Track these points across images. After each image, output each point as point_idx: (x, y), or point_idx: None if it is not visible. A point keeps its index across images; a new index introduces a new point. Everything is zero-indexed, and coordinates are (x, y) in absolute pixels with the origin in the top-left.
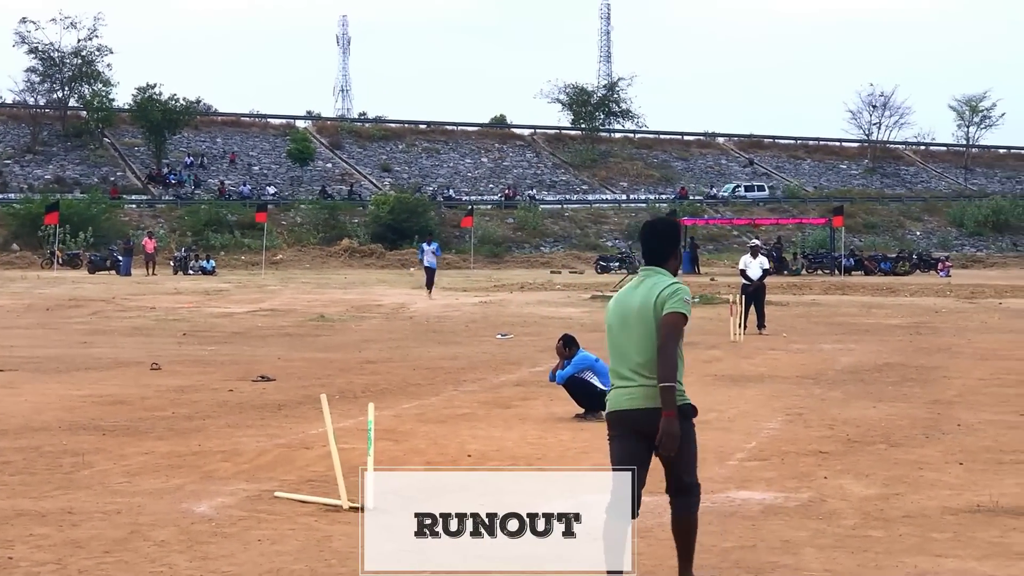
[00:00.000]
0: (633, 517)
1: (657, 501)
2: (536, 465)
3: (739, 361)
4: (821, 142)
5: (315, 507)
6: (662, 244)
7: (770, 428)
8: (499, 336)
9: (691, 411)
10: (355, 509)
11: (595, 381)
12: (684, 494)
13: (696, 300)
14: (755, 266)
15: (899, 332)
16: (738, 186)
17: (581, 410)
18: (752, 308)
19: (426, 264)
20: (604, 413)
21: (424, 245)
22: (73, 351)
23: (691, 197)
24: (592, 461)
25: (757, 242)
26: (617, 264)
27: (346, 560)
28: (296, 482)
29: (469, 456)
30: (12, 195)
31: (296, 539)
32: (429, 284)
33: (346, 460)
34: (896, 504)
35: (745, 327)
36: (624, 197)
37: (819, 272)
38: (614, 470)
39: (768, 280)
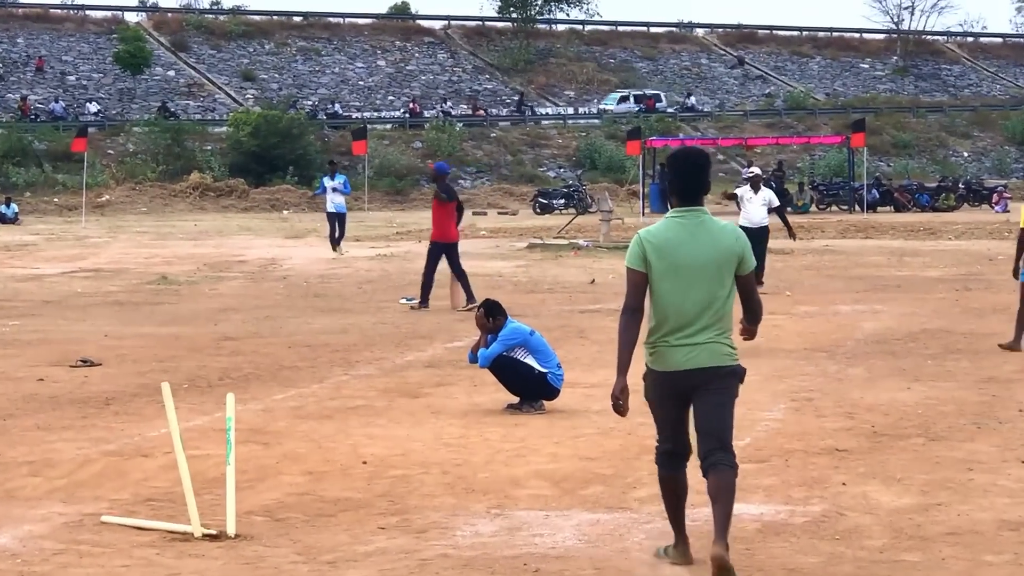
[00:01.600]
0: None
1: (617, 520)
2: (456, 473)
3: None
4: (835, 33)
5: (157, 535)
6: (705, 179)
7: (770, 419)
8: (403, 301)
9: (743, 372)
10: (211, 537)
11: (531, 361)
12: (726, 451)
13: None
14: (757, 204)
15: (941, 287)
16: (625, 97)
17: (515, 399)
18: None
19: (331, 208)
20: (652, 372)
21: (325, 180)
22: None
23: (661, 109)
24: (530, 468)
25: (756, 170)
26: (563, 202)
27: None
28: (131, 502)
29: (364, 463)
30: None
31: None
32: (336, 237)
33: (198, 472)
34: (938, 518)
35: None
36: (571, 111)
37: (834, 208)
38: (657, 420)
39: (771, 222)
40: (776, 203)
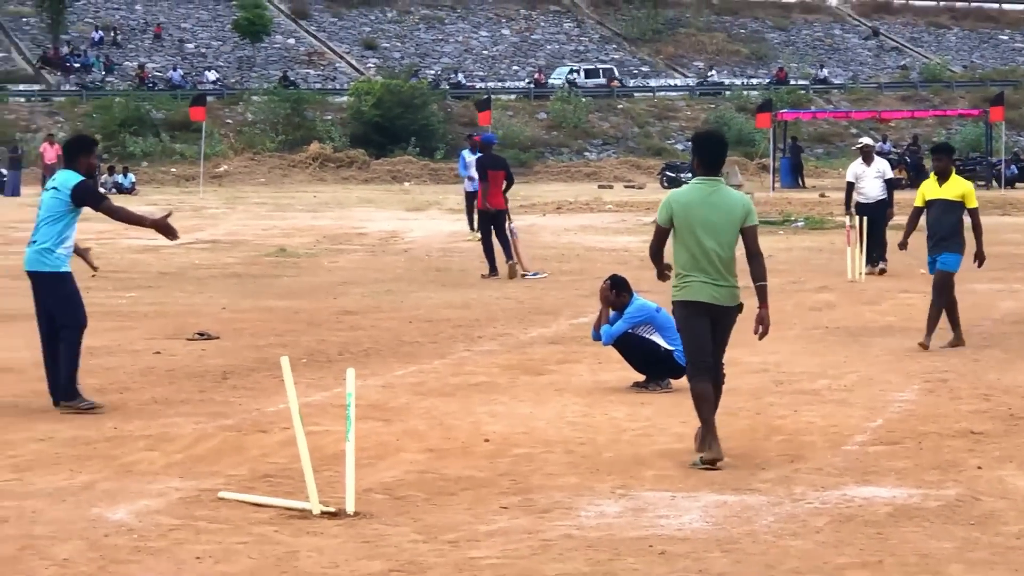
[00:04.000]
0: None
1: (745, 502)
2: (581, 452)
3: (859, 308)
4: (974, 4)
5: (274, 512)
6: (722, 155)
7: (902, 400)
8: (523, 275)
9: (743, 306)
10: (329, 515)
11: (657, 339)
12: (720, 369)
13: (800, 223)
14: (870, 177)
15: None
16: (575, 70)
17: (641, 377)
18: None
19: (470, 187)
20: (684, 303)
21: (465, 154)
22: None
23: (792, 81)
24: (656, 448)
25: (868, 140)
26: (691, 175)
27: None
28: (248, 478)
29: (487, 442)
30: None
31: (249, 556)
32: (475, 220)
33: (317, 448)
34: None
35: (868, 263)
36: (700, 82)
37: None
38: (690, 342)
39: (898, 196)
40: (889, 174)
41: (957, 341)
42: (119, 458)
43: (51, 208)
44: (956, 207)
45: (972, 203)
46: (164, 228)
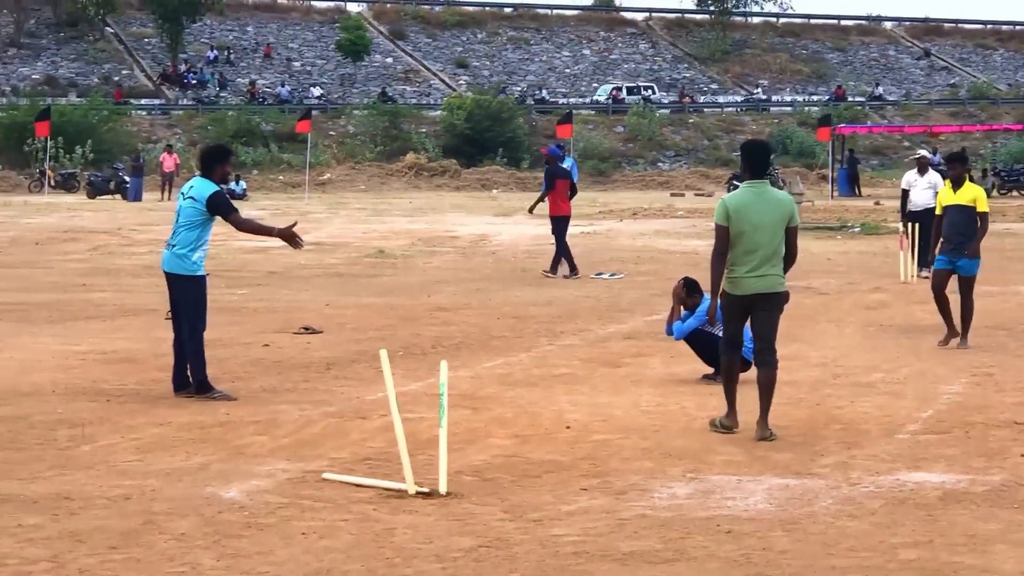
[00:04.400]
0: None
1: (806, 485)
2: (654, 439)
3: (911, 307)
4: (1018, 27)
5: (373, 492)
6: (766, 160)
7: (951, 392)
8: (599, 275)
9: (788, 295)
10: (424, 495)
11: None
12: (773, 352)
13: (856, 228)
14: (922, 186)
15: None
16: (617, 87)
17: (709, 370)
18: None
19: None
20: (729, 295)
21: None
22: (69, 296)
23: (849, 98)
24: (723, 436)
25: (925, 152)
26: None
27: (412, 559)
28: (350, 461)
29: (568, 428)
30: None
31: (350, 532)
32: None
33: (412, 433)
34: None
35: (920, 266)
36: (764, 98)
37: (1015, 193)
38: (727, 326)
39: None
40: (940, 186)
41: (951, 336)
42: (231, 442)
43: (188, 216)
44: (969, 211)
45: (983, 207)
46: (289, 237)
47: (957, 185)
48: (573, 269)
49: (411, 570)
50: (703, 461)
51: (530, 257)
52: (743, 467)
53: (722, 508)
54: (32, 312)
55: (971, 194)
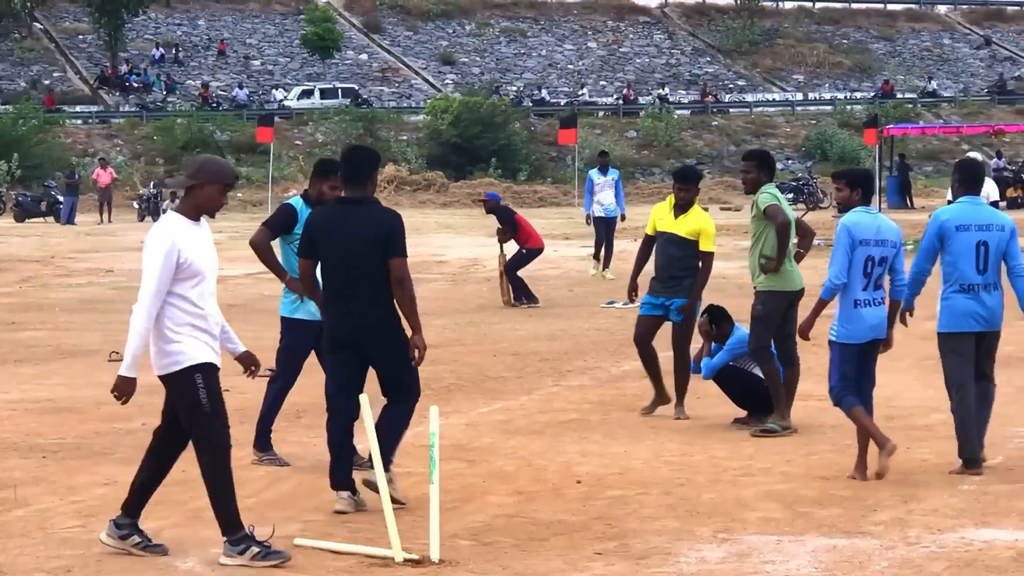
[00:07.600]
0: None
1: (857, 546)
2: (679, 494)
3: None
4: None
5: (355, 560)
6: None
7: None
8: (611, 304)
9: None
10: (413, 563)
11: (759, 372)
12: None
13: (908, 246)
14: None
15: None
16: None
17: (742, 413)
18: None
19: (599, 212)
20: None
21: (594, 175)
22: None
23: (898, 95)
24: (759, 489)
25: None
26: (791, 196)
27: None
28: (326, 524)
29: (579, 483)
30: None
31: None
32: (605, 252)
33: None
34: None
35: None
36: (800, 96)
37: None
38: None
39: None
40: (995, 196)
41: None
42: (188, 503)
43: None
44: (690, 245)
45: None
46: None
47: (681, 210)
48: (522, 298)
49: None
50: (736, 519)
51: (531, 284)
52: (783, 525)
53: (760, 573)
54: None
55: (696, 224)
